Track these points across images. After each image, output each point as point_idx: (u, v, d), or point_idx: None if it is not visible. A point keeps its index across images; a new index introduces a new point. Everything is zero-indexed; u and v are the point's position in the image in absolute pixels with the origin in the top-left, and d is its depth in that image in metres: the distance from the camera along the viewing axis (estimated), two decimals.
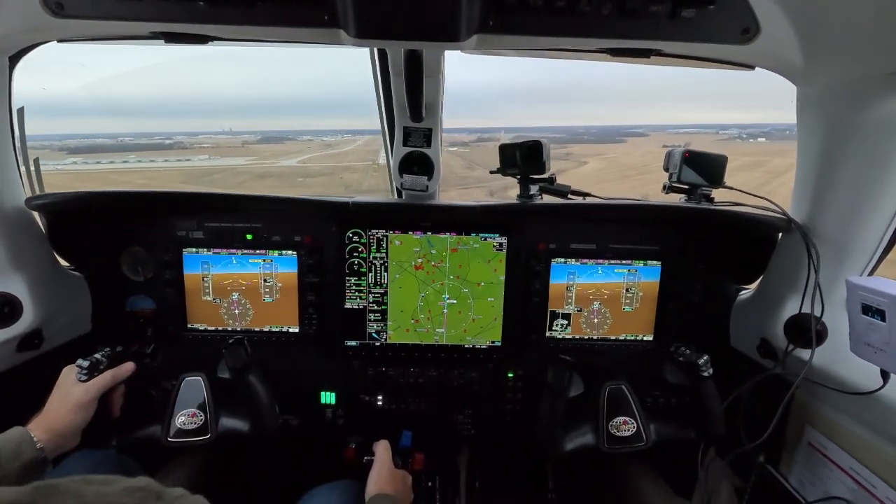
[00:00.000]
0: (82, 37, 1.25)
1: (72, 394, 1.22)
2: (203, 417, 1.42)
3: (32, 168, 1.64)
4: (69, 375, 1.26)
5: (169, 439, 1.40)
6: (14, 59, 1.33)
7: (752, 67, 1.30)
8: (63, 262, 1.57)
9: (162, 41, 1.14)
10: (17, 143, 1.45)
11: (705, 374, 1.40)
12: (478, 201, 1.61)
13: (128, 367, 1.36)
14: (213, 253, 1.61)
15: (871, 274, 1.29)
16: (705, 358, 1.40)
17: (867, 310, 1.07)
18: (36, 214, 1.46)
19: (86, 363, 1.26)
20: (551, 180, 1.66)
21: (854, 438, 1.22)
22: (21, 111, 1.53)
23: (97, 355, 1.31)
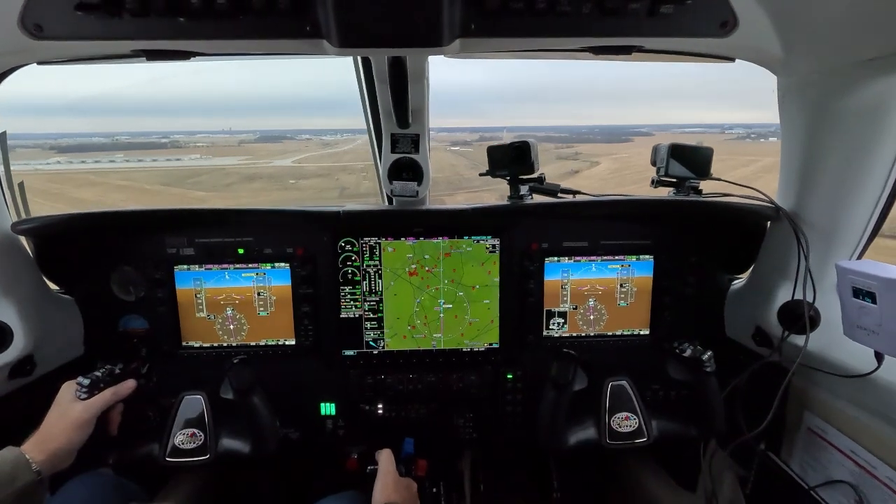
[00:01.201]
0: (62, 58, 1.23)
1: (72, 411, 1.20)
2: (202, 437, 1.40)
3: (17, 192, 1.62)
4: (68, 392, 1.24)
5: (167, 458, 1.38)
6: None
7: (732, 60, 1.32)
8: (52, 286, 1.55)
9: (143, 59, 1.14)
10: (1, 167, 1.44)
11: (709, 370, 1.40)
12: (469, 204, 1.62)
13: (129, 385, 1.35)
14: (205, 269, 1.60)
15: (859, 257, 1.31)
16: (709, 354, 1.40)
17: (858, 293, 1.09)
18: (22, 239, 1.44)
19: (86, 381, 1.25)
20: (541, 180, 1.66)
21: (852, 421, 1.23)
22: (3, 136, 1.52)
23: (97, 373, 1.30)
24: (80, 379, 1.26)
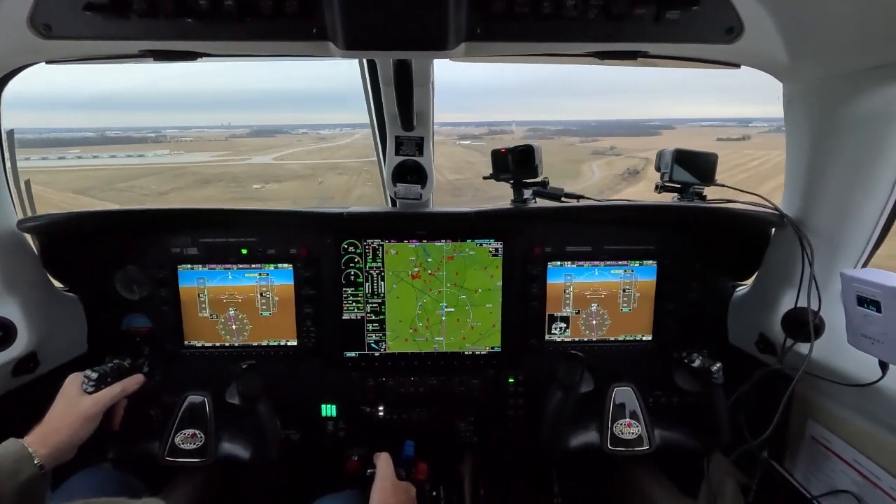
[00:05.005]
0: (71, 57, 1.24)
1: (79, 405, 1.18)
2: (203, 439, 1.41)
3: (24, 190, 1.63)
4: (74, 385, 1.22)
5: (166, 457, 1.38)
6: (2, 83, 1.33)
7: (737, 66, 1.32)
8: (57, 284, 1.55)
9: (151, 59, 1.14)
10: (8, 165, 1.45)
11: (717, 381, 1.39)
12: (472, 207, 1.62)
13: (137, 380, 1.34)
14: (209, 268, 1.60)
15: (864, 265, 1.30)
16: (718, 365, 1.40)
17: (862, 301, 1.08)
18: (28, 237, 1.45)
19: (94, 374, 1.24)
20: (544, 184, 1.66)
21: (856, 431, 1.22)
22: (11, 133, 1.53)
23: (105, 367, 1.30)
24: (87, 372, 1.24)
